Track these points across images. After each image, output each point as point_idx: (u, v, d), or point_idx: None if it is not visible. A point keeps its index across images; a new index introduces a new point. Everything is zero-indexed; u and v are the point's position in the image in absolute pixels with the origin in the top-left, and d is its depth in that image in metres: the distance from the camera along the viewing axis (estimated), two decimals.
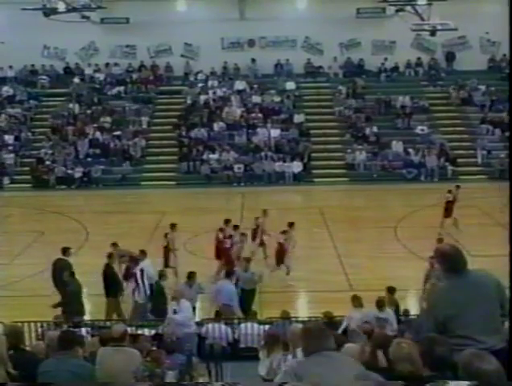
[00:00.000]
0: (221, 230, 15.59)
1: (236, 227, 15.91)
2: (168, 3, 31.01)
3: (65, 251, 13.52)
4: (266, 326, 10.70)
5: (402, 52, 31.93)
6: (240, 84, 31.54)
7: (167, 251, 15.21)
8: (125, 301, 13.04)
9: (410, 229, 19.06)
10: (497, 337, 4.31)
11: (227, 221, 16.07)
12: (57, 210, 22.85)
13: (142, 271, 12.62)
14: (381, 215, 21.02)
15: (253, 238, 16.24)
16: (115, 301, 12.97)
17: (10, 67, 32.35)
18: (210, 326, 11.08)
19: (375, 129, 28.92)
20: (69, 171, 27.15)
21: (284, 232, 15.33)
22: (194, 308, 11.92)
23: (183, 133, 29.04)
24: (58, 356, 5.52)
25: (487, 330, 4.23)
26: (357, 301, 10.65)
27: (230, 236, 15.41)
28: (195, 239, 18.24)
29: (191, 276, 12.31)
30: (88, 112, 30.41)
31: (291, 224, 15.56)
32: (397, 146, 28.05)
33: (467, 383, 3.32)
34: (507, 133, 27.14)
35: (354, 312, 10.41)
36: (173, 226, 15.59)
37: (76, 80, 31.88)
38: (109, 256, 13.32)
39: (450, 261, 4.43)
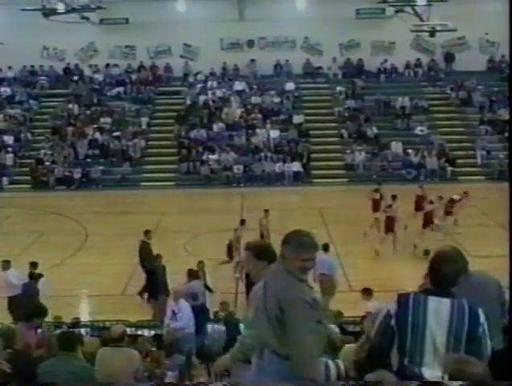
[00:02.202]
0: (376, 190, 19.05)
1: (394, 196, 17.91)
2: (168, 4, 31.00)
3: (146, 233, 14.04)
4: None
5: (402, 53, 31.91)
6: (239, 85, 31.54)
7: (231, 246, 15.78)
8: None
9: (409, 229, 19.04)
10: (497, 338, 4.32)
11: (378, 186, 19.40)
12: (57, 210, 22.85)
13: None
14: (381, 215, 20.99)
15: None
16: (157, 302, 12.98)
17: (10, 67, 32.34)
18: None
19: (375, 129, 28.92)
20: (68, 172, 27.14)
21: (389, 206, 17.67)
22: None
23: (183, 134, 29.04)
24: (58, 357, 5.52)
25: (489, 331, 4.24)
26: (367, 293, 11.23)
27: (390, 206, 17.60)
28: (194, 239, 18.24)
29: (191, 274, 12.39)
30: (88, 112, 30.40)
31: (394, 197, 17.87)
32: (396, 147, 28.06)
33: (459, 383, 3.32)
34: (506, 134, 27.18)
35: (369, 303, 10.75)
36: (243, 222, 16.32)
37: (76, 80, 31.91)
38: (157, 257, 13.29)
39: None
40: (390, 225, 17.25)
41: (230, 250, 16.10)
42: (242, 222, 16.49)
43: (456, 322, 3.76)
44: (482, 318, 3.78)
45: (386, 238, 17.06)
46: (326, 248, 13.53)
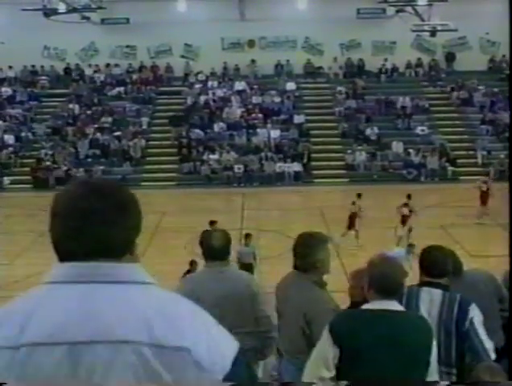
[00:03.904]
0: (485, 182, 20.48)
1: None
2: (168, 4, 31.03)
3: (212, 223, 14.30)
4: None
5: (403, 53, 31.93)
6: (240, 85, 31.55)
7: (354, 216, 17.98)
8: None
9: None
10: (498, 335, 4.32)
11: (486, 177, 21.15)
12: None
13: None
14: (381, 215, 20.97)
15: None
16: None
17: (10, 67, 32.36)
18: None
19: (375, 129, 28.92)
20: (69, 172, 27.15)
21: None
22: None
23: (184, 134, 29.05)
24: None
25: (487, 330, 4.24)
26: None
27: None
28: (195, 239, 18.21)
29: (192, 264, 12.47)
30: (89, 112, 30.41)
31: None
32: (397, 147, 28.05)
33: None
34: (507, 134, 27.14)
35: None
36: (359, 195, 18.87)
37: (76, 80, 31.94)
38: (191, 263, 13.14)
39: None
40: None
41: (352, 221, 18.02)
42: (359, 195, 18.83)
43: (446, 314, 3.78)
44: (472, 313, 3.77)
45: None
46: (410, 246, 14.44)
